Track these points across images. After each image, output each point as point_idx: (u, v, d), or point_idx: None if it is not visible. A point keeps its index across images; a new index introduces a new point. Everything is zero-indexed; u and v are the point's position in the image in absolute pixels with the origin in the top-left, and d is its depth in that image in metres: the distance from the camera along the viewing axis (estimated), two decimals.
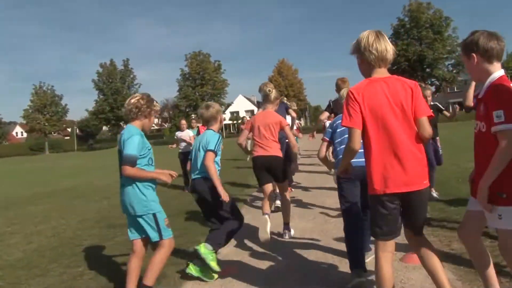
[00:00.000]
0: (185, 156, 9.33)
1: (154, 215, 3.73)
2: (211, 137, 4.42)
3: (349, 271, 3.98)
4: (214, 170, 4.29)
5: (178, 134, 10.95)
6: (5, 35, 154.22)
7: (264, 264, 4.65)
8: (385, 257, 2.86)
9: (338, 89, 6.42)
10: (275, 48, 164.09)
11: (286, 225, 5.71)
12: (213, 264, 4.20)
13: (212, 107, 4.60)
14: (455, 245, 4.59)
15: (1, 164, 38.96)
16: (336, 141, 4.35)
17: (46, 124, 64.44)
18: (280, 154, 5.58)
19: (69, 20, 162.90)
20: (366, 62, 2.85)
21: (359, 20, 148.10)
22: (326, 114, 7.25)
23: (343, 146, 3.42)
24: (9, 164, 36.47)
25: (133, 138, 3.60)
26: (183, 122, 11.35)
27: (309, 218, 6.63)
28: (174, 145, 11.15)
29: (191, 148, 5.75)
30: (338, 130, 4.34)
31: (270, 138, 5.46)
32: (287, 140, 6.12)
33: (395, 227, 2.87)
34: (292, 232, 5.71)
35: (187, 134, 10.65)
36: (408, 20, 50.22)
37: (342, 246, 4.84)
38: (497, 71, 2.66)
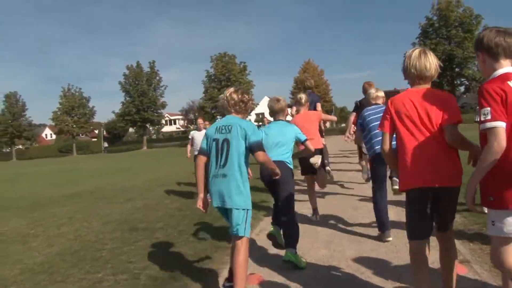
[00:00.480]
0: None
1: (247, 211, 3.73)
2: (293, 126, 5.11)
3: (382, 284, 3.80)
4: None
5: (195, 134, 9.95)
6: (34, 38, 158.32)
7: (290, 271, 4.39)
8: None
9: (365, 91, 7.21)
10: (300, 49, 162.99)
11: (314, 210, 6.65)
12: (303, 265, 4.47)
13: (282, 100, 4.94)
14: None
15: (30, 165, 39.74)
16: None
17: (74, 126, 65.58)
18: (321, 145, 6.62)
19: (95, 23, 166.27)
20: (409, 78, 3.14)
21: (386, 20, 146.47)
22: (354, 114, 7.64)
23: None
24: (38, 166, 37.13)
25: (254, 126, 3.78)
26: (201, 121, 10.50)
27: (338, 222, 6.33)
28: (189, 155, 10.05)
29: None
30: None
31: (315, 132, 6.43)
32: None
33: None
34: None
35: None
36: (437, 19, 49.09)
37: (375, 254, 4.56)
38: (501, 69, 2.55)
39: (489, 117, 2.40)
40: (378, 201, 5.28)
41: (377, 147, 5.02)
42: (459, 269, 3.91)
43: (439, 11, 48.53)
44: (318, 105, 8.05)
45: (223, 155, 3.70)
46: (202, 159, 3.86)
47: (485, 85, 2.49)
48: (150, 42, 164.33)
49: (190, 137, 10.17)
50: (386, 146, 3.15)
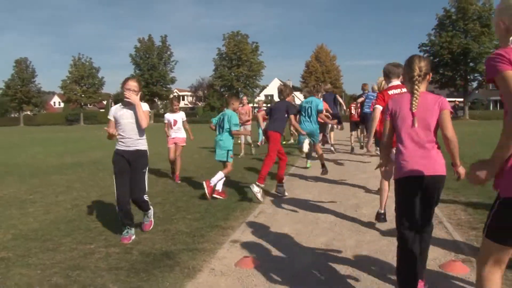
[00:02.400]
0: None
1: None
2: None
3: (382, 276, 3.68)
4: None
5: (168, 115, 9.04)
6: (48, 7, 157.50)
7: (285, 259, 4.27)
8: None
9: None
10: (313, 33, 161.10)
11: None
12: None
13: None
14: None
15: (37, 132, 39.88)
16: None
17: (83, 95, 65.66)
18: None
19: None
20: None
21: (402, 9, 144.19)
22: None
23: None
24: (45, 133, 37.25)
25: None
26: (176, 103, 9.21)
27: (339, 210, 6.20)
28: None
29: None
30: None
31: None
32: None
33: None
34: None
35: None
36: (455, 11, 48.11)
37: (373, 245, 4.42)
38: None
39: None
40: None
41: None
42: (461, 269, 3.79)
43: (457, 2, 47.52)
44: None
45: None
46: None
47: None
48: (164, 17, 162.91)
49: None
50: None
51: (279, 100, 7.48)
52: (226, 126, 7.05)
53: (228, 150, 7.04)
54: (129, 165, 4.99)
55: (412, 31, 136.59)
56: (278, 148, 7.10)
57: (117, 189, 4.90)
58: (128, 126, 4.94)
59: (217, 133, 7.22)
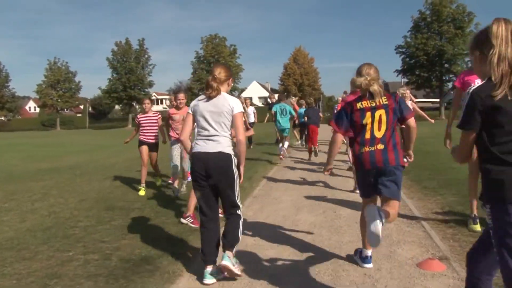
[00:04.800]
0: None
1: None
2: None
3: (361, 276, 3.70)
4: None
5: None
6: (23, 9, 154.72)
7: (267, 262, 4.28)
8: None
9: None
10: (292, 36, 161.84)
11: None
12: None
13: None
14: None
15: (12, 138, 39.02)
16: None
17: (59, 100, 64.51)
18: None
19: None
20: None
21: (379, 11, 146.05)
22: None
23: None
24: (20, 138, 36.48)
25: None
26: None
27: (318, 212, 6.24)
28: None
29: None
30: None
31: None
32: None
33: None
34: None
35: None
36: (430, 14, 48.97)
37: (352, 246, 4.46)
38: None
39: None
40: None
41: None
42: (438, 267, 3.85)
43: (432, 5, 48.40)
44: None
45: None
46: None
47: None
48: (141, 20, 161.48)
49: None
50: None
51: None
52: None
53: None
54: None
55: (389, 33, 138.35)
56: None
57: None
58: None
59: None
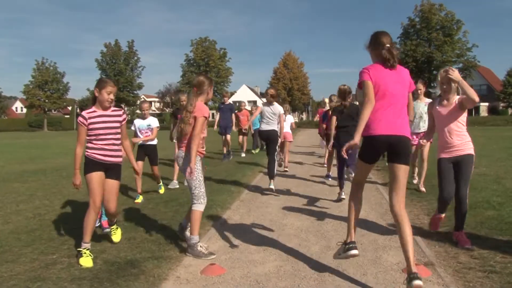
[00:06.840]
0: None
1: None
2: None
3: (346, 281, 3.72)
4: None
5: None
6: (11, 9, 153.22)
7: (253, 266, 4.26)
8: None
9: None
10: (282, 41, 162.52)
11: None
12: None
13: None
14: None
15: None
16: None
17: (46, 101, 63.92)
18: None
19: None
20: None
21: (369, 18, 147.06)
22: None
23: None
24: (6, 139, 36.05)
25: None
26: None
27: (305, 216, 6.25)
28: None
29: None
30: None
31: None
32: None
33: None
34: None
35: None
36: (419, 21, 49.51)
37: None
38: None
39: None
40: None
41: None
42: (423, 272, 3.86)
43: (421, 12, 48.96)
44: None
45: None
46: None
47: None
48: (131, 22, 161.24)
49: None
50: None
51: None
52: None
53: None
54: None
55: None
56: None
57: None
58: None
59: None
